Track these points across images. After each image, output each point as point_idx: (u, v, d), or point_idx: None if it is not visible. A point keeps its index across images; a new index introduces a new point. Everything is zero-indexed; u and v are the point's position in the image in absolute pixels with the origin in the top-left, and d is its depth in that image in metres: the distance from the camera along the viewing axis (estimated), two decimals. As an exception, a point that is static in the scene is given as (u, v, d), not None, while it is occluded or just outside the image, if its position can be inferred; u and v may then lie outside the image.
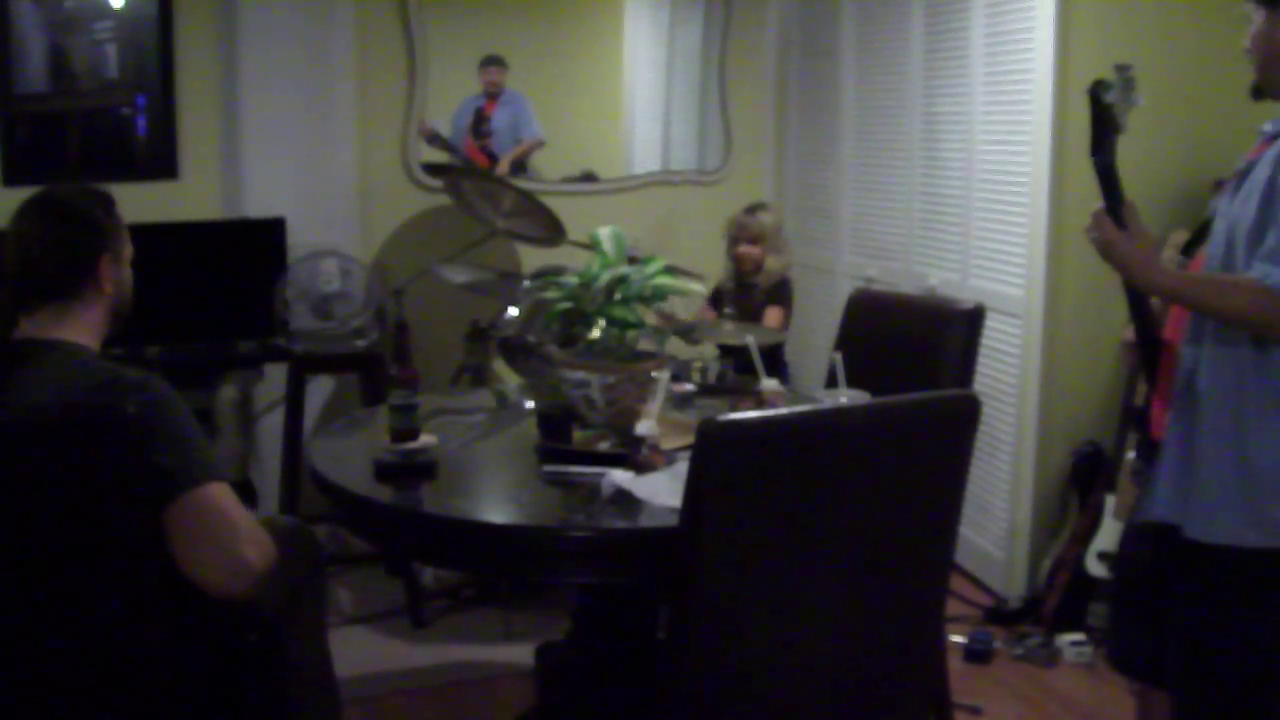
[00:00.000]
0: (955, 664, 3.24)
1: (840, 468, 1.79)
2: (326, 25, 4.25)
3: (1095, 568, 3.46)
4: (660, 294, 2.43)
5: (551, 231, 4.09)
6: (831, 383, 2.74)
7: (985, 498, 3.83)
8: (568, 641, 2.55)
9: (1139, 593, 2.22)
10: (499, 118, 4.81)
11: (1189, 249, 2.18)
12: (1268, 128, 2.02)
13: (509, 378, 3.67)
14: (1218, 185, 2.26)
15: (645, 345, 2.49)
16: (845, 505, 1.81)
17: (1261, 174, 1.92)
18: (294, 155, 4.24)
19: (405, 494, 2.24)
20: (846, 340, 3.10)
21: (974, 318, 2.87)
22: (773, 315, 3.93)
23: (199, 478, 1.80)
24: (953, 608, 3.60)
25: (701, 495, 1.72)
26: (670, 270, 2.53)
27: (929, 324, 2.96)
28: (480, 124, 4.80)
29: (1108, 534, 3.42)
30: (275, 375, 4.16)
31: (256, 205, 4.18)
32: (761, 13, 5.08)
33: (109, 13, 4.15)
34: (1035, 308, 3.58)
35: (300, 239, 4.07)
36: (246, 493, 4.07)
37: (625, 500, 2.06)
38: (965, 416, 1.92)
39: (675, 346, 3.31)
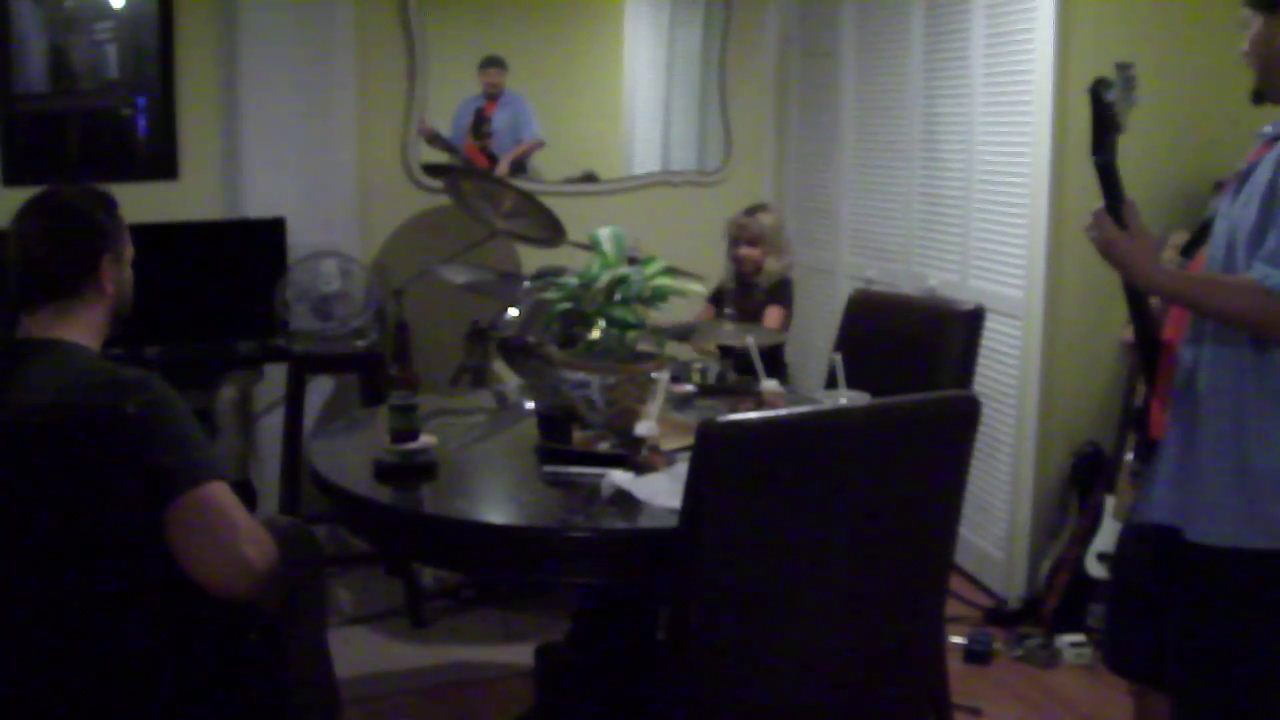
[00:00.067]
0: (955, 665, 3.24)
1: (840, 468, 1.79)
2: (326, 26, 4.25)
3: (1095, 568, 3.46)
4: (660, 294, 2.43)
5: (551, 232, 4.09)
6: (831, 384, 2.74)
7: (985, 499, 3.83)
8: (568, 642, 2.56)
9: (1136, 594, 2.22)
10: (499, 118, 4.81)
11: (1189, 250, 2.18)
12: (1268, 130, 2.02)
13: (509, 378, 3.67)
14: (1218, 186, 2.26)
15: (645, 346, 2.49)
16: (845, 506, 1.81)
17: (1262, 176, 1.92)
18: (294, 155, 4.24)
19: (405, 494, 2.24)
20: (846, 341, 3.10)
21: (974, 318, 2.87)
22: (773, 316, 3.92)
23: (199, 477, 1.80)
24: (952, 608, 3.60)
25: (701, 496, 1.72)
26: (670, 271, 2.53)
27: (929, 325, 2.96)
28: (480, 124, 4.80)
29: (1107, 535, 3.42)
30: (275, 375, 4.16)
31: (256, 205, 4.18)
32: (762, 13, 5.08)
33: (109, 13, 4.15)
34: (1035, 308, 3.58)
35: (300, 239, 4.07)
36: (246, 493, 4.07)
37: (625, 501, 2.06)
38: (965, 417, 1.92)
39: (674, 347, 3.31)
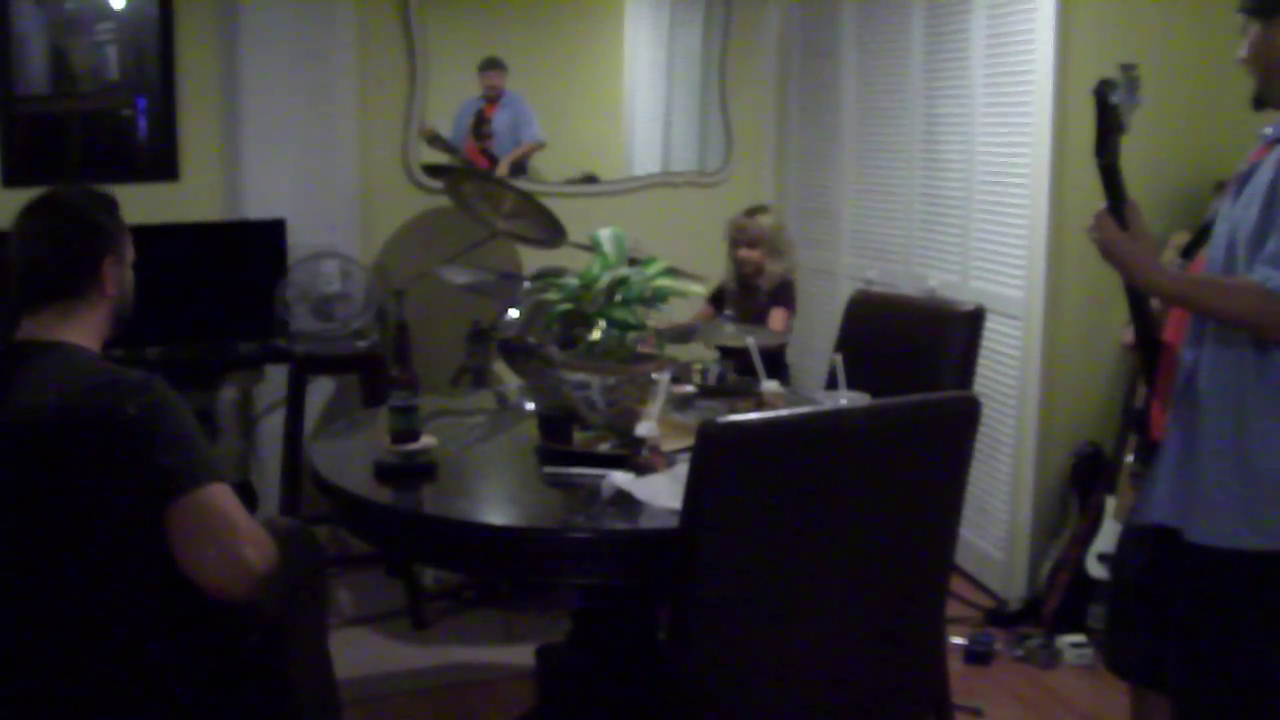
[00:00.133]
0: (956, 665, 3.24)
1: (840, 469, 1.79)
2: (327, 27, 4.25)
3: (1095, 569, 3.46)
4: (661, 295, 2.43)
5: (552, 233, 4.09)
6: (832, 384, 2.74)
7: (985, 499, 3.83)
8: (568, 643, 2.56)
9: (1137, 595, 2.22)
10: (499, 119, 4.81)
11: (1189, 251, 2.18)
12: (1269, 131, 2.02)
13: (509, 379, 3.67)
14: (1218, 187, 2.26)
15: (645, 347, 2.49)
16: (845, 507, 1.81)
17: (1263, 178, 1.92)
18: (294, 156, 4.24)
19: (406, 495, 2.24)
20: (847, 342, 3.10)
21: (974, 319, 2.87)
22: (777, 317, 3.92)
23: (200, 479, 1.80)
24: (953, 609, 3.60)
25: (702, 497, 1.72)
26: (671, 272, 2.53)
27: (929, 326, 2.96)
28: (480, 125, 4.80)
29: (1108, 535, 3.42)
30: (276, 376, 4.16)
31: (257, 206, 4.18)
32: (762, 14, 5.08)
33: (109, 14, 4.15)
34: (1035, 309, 3.58)
35: (301, 240, 4.07)
36: (247, 494, 4.07)
37: (625, 502, 2.06)
38: (965, 418, 1.92)
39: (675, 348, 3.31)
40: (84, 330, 1.95)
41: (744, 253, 3.97)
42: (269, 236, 4.01)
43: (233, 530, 1.81)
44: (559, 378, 2.37)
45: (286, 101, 4.21)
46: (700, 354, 3.53)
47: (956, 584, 3.85)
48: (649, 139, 5.20)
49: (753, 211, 4.04)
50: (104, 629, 1.74)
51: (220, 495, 1.82)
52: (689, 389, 2.93)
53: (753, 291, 3.98)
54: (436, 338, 4.34)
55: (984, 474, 3.78)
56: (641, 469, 2.17)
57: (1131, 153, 2.05)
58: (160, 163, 4.24)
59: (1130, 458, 2.37)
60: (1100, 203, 2.03)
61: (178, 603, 1.81)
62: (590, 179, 4.92)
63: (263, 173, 4.21)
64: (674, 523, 1.81)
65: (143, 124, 4.25)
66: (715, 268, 4.15)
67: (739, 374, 3.07)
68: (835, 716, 1.94)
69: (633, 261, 2.51)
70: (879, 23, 4.41)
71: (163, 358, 3.80)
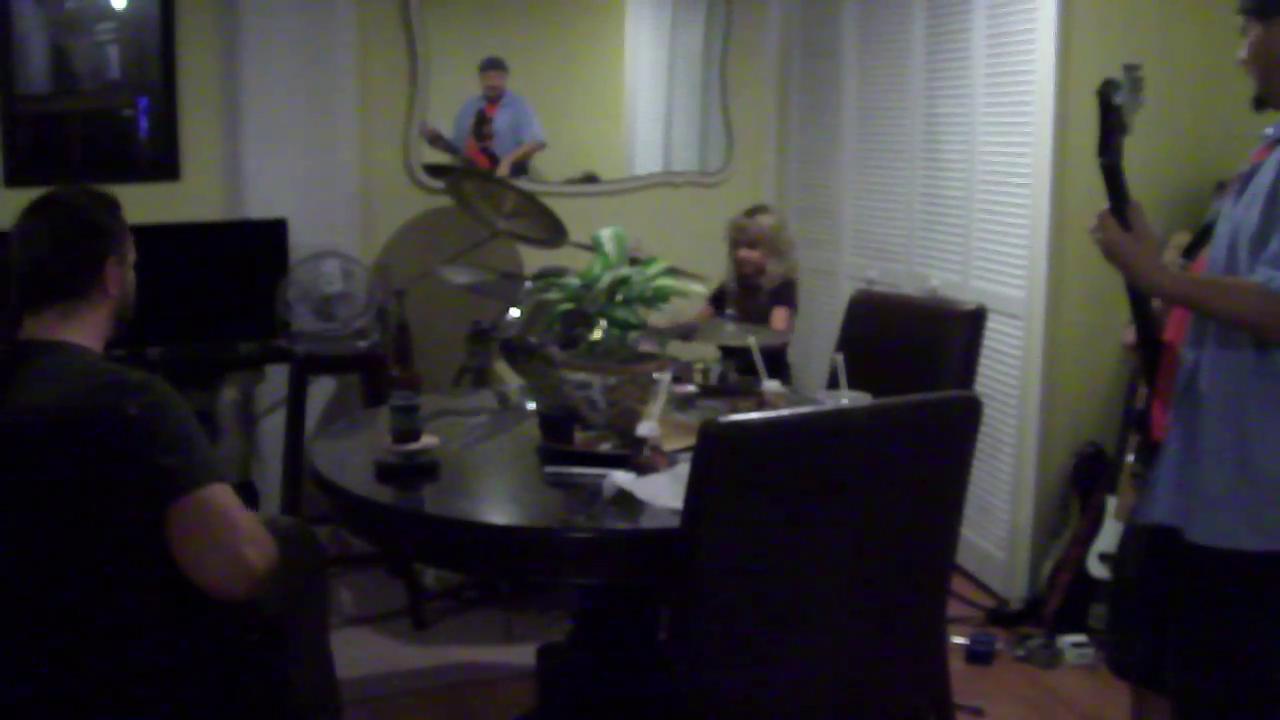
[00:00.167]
0: (957, 665, 3.24)
1: (842, 469, 1.79)
2: (328, 27, 4.25)
3: (1097, 569, 3.46)
4: (662, 295, 2.43)
5: (553, 233, 4.09)
6: (833, 384, 2.74)
7: (987, 499, 3.83)
8: (569, 643, 2.56)
9: (1138, 596, 2.22)
10: (500, 119, 4.81)
11: (1191, 251, 2.18)
12: (1270, 132, 2.02)
13: (510, 379, 3.67)
14: (1220, 187, 2.26)
15: (646, 347, 2.49)
16: (847, 506, 1.81)
17: (1265, 178, 1.92)
18: (295, 156, 4.24)
19: (407, 495, 2.24)
20: (848, 341, 3.10)
21: (975, 319, 2.87)
22: (780, 317, 3.92)
23: (201, 479, 1.80)
24: (954, 609, 3.60)
25: (703, 496, 1.72)
26: (672, 272, 2.53)
27: (930, 325, 2.96)
28: (481, 125, 4.80)
29: (1109, 535, 3.42)
30: (277, 376, 4.16)
31: (258, 206, 4.19)
32: (763, 14, 5.08)
33: (110, 14, 4.16)
34: (1036, 309, 3.58)
35: (302, 240, 4.07)
36: (248, 494, 4.07)
37: (627, 501, 2.06)
38: (966, 418, 1.92)
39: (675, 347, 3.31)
40: (86, 330, 1.95)
41: (744, 253, 3.97)
42: (270, 236, 4.01)
43: (233, 530, 1.81)
44: (560, 377, 2.37)
45: (287, 101, 4.21)
46: (702, 353, 3.53)
47: (958, 584, 3.85)
48: (650, 139, 5.20)
49: (752, 212, 4.04)
50: (104, 628, 1.74)
51: (221, 495, 1.82)
52: (690, 388, 2.93)
53: (754, 291, 3.98)
54: (438, 338, 4.34)
55: (985, 474, 3.78)
56: (643, 469, 2.17)
57: (1132, 152, 2.05)
58: (161, 162, 4.24)
59: (1131, 458, 2.37)
60: (1102, 202, 2.03)
61: (178, 602, 1.81)
62: (591, 179, 4.92)
63: (264, 172, 4.22)
64: (675, 522, 1.81)
65: (144, 124, 4.25)
66: (716, 268, 4.15)
67: (740, 373, 3.07)
68: (836, 716, 1.94)
69: (634, 261, 2.51)
70: (880, 22, 4.41)
71: (164, 357, 3.80)
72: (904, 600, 1.95)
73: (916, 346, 2.94)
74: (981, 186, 3.82)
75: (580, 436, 2.35)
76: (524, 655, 3.22)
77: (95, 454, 1.70)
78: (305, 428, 3.94)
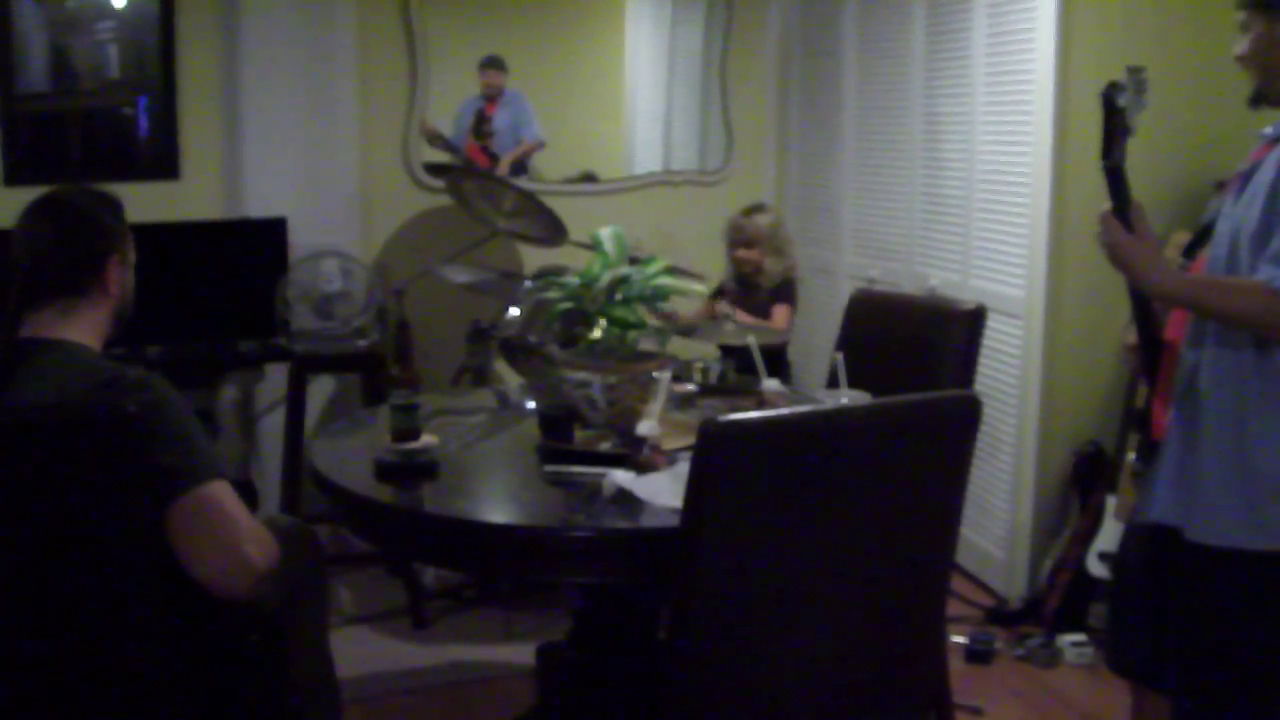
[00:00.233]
0: (956, 664, 3.23)
1: (841, 468, 1.79)
2: (328, 25, 4.25)
3: (1096, 568, 3.46)
4: (661, 294, 2.43)
5: (553, 232, 4.09)
6: (833, 383, 2.74)
7: (986, 498, 3.83)
8: (569, 642, 2.55)
9: (1138, 595, 2.22)
10: (500, 118, 4.81)
11: (1191, 251, 2.18)
12: (1268, 131, 2.02)
13: (510, 378, 3.68)
14: (1219, 186, 2.26)
15: (646, 345, 2.49)
16: (846, 506, 1.81)
17: (1265, 177, 1.92)
18: (295, 155, 4.24)
19: (406, 494, 2.24)
20: (848, 341, 3.10)
21: (975, 318, 2.87)
22: (780, 314, 3.92)
23: (200, 477, 1.80)
24: (954, 608, 3.60)
25: (703, 495, 1.72)
26: (671, 270, 2.53)
27: (930, 324, 2.96)
28: (481, 124, 4.80)
29: (1109, 534, 3.42)
30: (276, 375, 4.16)
31: (258, 205, 4.18)
32: (763, 13, 5.08)
33: (110, 13, 4.15)
34: (1036, 308, 3.58)
35: (301, 239, 4.07)
36: (248, 493, 4.03)
37: (626, 500, 2.06)
38: (966, 417, 1.92)
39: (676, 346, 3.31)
40: (85, 329, 1.95)
41: (742, 252, 3.98)
42: (270, 235, 4.01)
43: (233, 528, 1.81)
44: (560, 376, 2.37)
45: (287, 100, 4.21)
46: (701, 352, 3.53)
47: (957, 583, 3.85)
48: (650, 138, 5.20)
49: (750, 211, 4.04)
50: (104, 627, 1.74)
51: (220, 493, 1.82)
52: (690, 387, 2.92)
53: (754, 290, 3.98)
54: (437, 337, 4.33)
55: (985, 473, 3.78)
56: (642, 467, 2.17)
57: (1131, 152, 2.04)
58: (161, 161, 4.24)
59: (1132, 457, 2.37)
60: (1102, 201, 2.02)
61: (178, 601, 1.81)
62: (590, 178, 4.92)
63: (263, 171, 4.21)
64: (675, 521, 1.81)
65: (143, 122, 4.25)
66: (716, 267, 4.16)
67: (740, 372, 3.07)
68: (836, 715, 1.94)
69: (633, 260, 2.51)
70: (880, 22, 4.41)
71: (163, 356, 3.80)
72: (903, 599, 1.95)
73: (916, 346, 2.94)
74: (981, 186, 3.82)
75: (580, 435, 2.35)
76: (524, 654, 3.23)
77: (94, 452, 1.69)
78: (305, 427, 3.94)
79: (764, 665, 1.82)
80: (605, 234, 2.50)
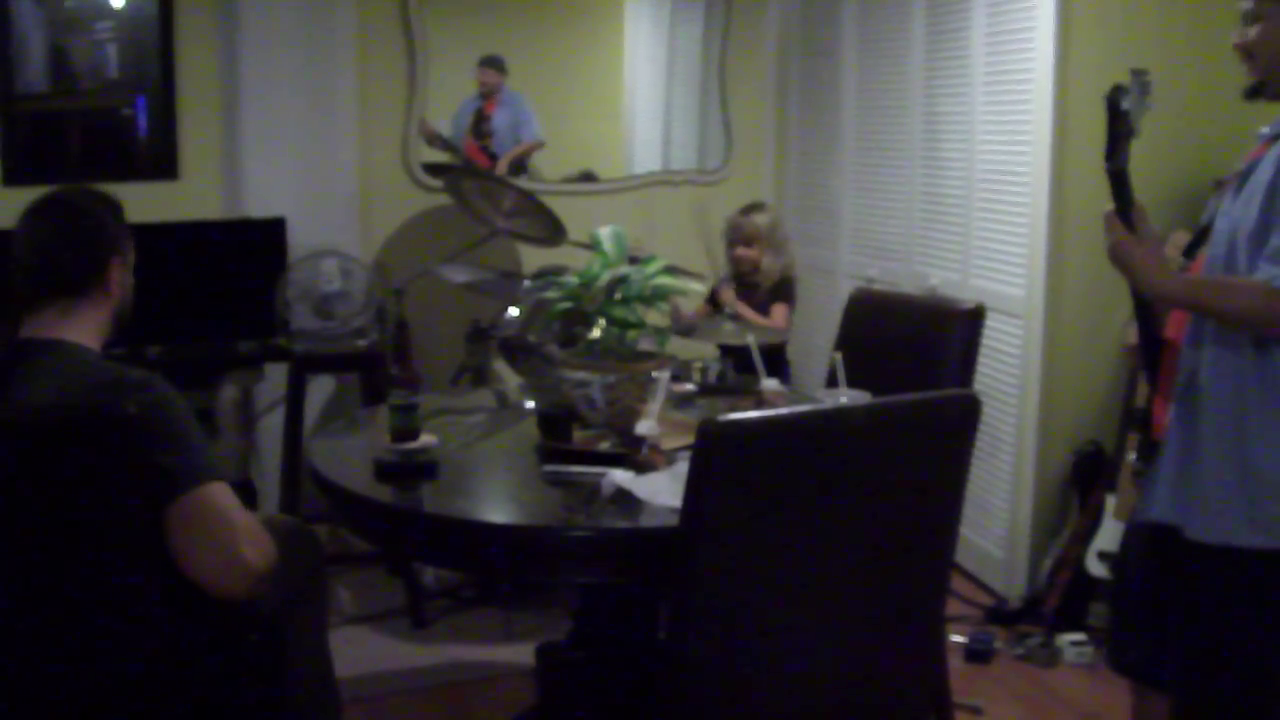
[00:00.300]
0: (956, 664, 3.24)
1: (841, 468, 1.79)
2: (327, 25, 4.25)
3: (1096, 567, 3.46)
4: (661, 294, 2.43)
5: (552, 231, 4.09)
6: (832, 382, 2.74)
7: (986, 497, 3.83)
8: (569, 641, 2.56)
9: (1139, 594, 2.22)
10: (499, 118, 4.81)
11: (1191, 251, 2.18)
12: (1265, 131, 2.02)
13: (509, 378, 3.67)
14: (1217, 185, 2.26)
15: (646, 345, 2.49)
16: (846, 505, 1.81)
17: (1263, 175, 1.92)
18: (294, 155, 4.24)
19: (406, 494, 2.24)
20: (847, 340, 3.09)
21: (975, 317, 2.87)
22: (779, 313, 3.92)
23: (199, 478, 1.80)
24: (953, 608, 3.60)
25: (702, 495, 1.72)
26: (670, 270, 2.53)
27: (930, 324, 2.96)
28: (481, 124, 4.80)
29: (1108, 534, 3.42)
30: (276, 375, 4.16)
31: (257, 205, 4.18)
32: (762, 12, 5.08)
33: (109, 13, 4.15)
34: (1036, 307, 3.58)
35: (301, 239, 4.07)
36: (247, 493, 4.07)
37: (626, 500, 2.06)
38: (966, 416, 1.92)
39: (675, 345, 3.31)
40: (85, 329, 1.95)
41: (741, 250, 3.99)
42: (269, 235, 4.01)
43: (232, 529, 1.81)
44: (559, 376, 2.37)
45: (287, 100, 4.21)
46: (701, 352, 3.53)
47: (957, 582, 3.85)
48: (649, 137, 5.20)
49: (748, 210, 4.06)
50: (103, 627, 1.74)
51: (219, 494, 1.82)
52: (689, 387, 2.92)
53: (752, 289, 3.98)
54: (437, 336, 4.34)
55: (984, 472, 3.78)
56: (642, 467, 2.17)
57: (1132, 153, 2.04)
58: (160, 161, 4.24)
59: (1132, 456, 2.36)
60: (1102, 200, 2.02)
61: (177, 601, 1.81)
62: (590, 177, 4.92)
63: (263, 171, 4.21)
64: (674, 521, 1.81)
65: (142, 122, 4.25)
66: (715, 266, 4.16)
67: (739, 372, 3.07)
68: (835, 715, 1.94)
69: (633, 260, 2.51)
70: (879, 21, 4.41)
71: (163, 356, 3.80)
72: (903, 599, 1.95)
73: (916, 345, 2.94)
74: (981, 185, 3.82)
75: (579, 435, 2.35)
76: (523, 654, 3.23)
77: (94, 452, 1.70)
78: (304, 426, 3.94)
79: (764, 665, 1.82)
80: (604, 233, 2.50)
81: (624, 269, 2.41)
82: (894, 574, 1.92)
